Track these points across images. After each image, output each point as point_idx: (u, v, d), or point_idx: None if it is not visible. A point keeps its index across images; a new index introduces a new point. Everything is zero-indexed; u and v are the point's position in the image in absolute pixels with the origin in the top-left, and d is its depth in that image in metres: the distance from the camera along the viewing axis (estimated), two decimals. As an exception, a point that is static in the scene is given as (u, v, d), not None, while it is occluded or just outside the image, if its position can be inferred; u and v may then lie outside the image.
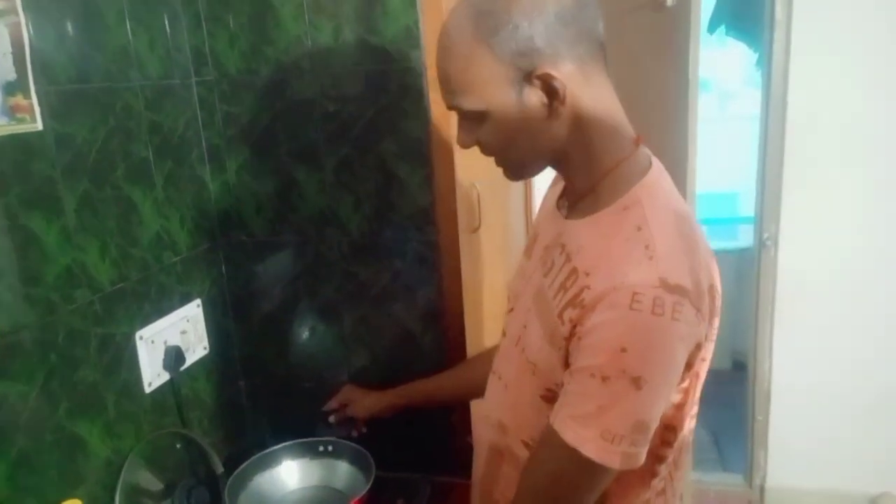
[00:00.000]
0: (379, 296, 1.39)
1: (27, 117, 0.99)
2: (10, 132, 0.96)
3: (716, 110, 4.89)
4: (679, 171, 2.06)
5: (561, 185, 0.95)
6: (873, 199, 2.35)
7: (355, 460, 1.32)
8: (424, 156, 1.28)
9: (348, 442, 1.34)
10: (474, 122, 0.82)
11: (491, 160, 0.88)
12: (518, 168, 0.89)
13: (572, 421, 0.76)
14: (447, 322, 1.37)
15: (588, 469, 0.75)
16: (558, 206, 0.92)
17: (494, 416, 0.96)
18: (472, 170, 1.44)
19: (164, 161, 1.27)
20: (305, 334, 1.46)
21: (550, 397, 0.82)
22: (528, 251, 0.98)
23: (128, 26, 1.18)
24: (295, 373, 1.49)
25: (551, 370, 0.82)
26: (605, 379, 0.72)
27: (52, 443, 1.03)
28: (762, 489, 2.67)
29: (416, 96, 1.25)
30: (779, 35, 2.29)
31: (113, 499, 1.12)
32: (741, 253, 3.11)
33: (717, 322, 0.82)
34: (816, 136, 2.34)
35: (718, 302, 0.82)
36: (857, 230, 2.39)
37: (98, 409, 1.12)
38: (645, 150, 0.86)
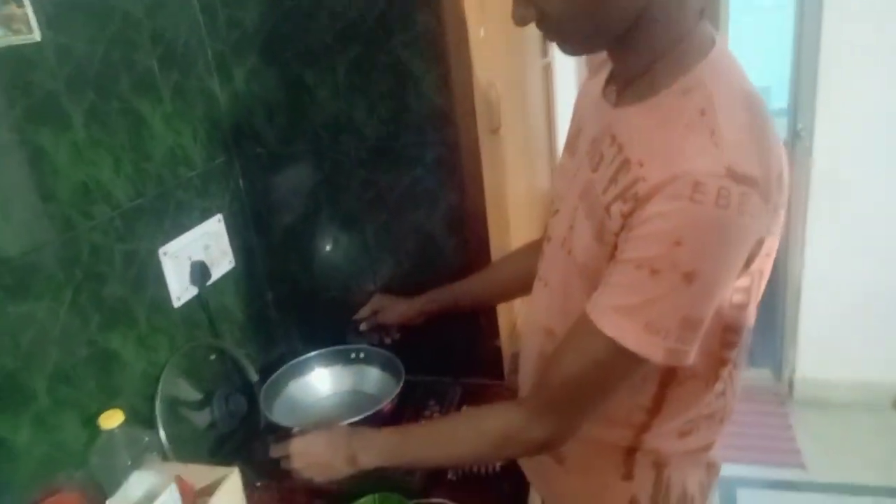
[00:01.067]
0: (399, 202, 1.36)
1: (23, 28, 0.95)
2: (7, 44, 0.93)
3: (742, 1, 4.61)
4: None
5: (605, 72, 0.87)
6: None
7: (385, 366, 1.34)
8: (440, 52, 1.21)
9: (378, 349, 1.35)
10: None
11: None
12: (581, 41, 0.78)
13: (613, 311, 0.73)
14: (470, 226, 1.34)
15: (626, 358, 0.73)
16: (604, 95, 0.85)
17: (542, 323, 0.93)
18: (491, 67, 1.37)
19: (169, 72, 1.22)
20: (328, 244, 1.45)
21: None
22: (571, 148, 0.92)
23: (118, -75, 1.11)
24: (321, 283, 1.49)
25: (599, 270, 0.77)
26: (654, 272, 0.68)
27: (88, 356, 1.05)
28: (791, 382, 2.69)
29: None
30: None
31: (153, 408, 1.16)
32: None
33: (782, 214, 0.75)
34: (853, 24, 2.20)
35: (786, 192, 0.75)
36: (893, 121, 2.28)
37: (129, 322, 1.13)
38: (707, 25, 0.77)
